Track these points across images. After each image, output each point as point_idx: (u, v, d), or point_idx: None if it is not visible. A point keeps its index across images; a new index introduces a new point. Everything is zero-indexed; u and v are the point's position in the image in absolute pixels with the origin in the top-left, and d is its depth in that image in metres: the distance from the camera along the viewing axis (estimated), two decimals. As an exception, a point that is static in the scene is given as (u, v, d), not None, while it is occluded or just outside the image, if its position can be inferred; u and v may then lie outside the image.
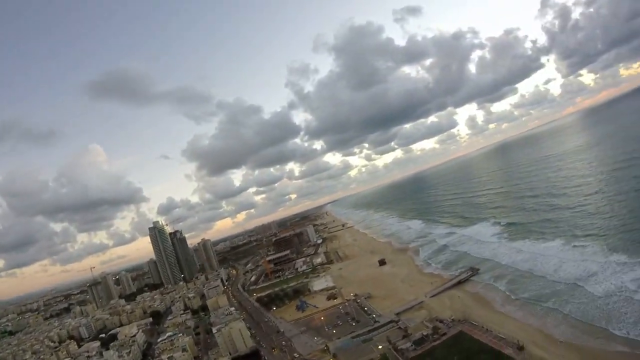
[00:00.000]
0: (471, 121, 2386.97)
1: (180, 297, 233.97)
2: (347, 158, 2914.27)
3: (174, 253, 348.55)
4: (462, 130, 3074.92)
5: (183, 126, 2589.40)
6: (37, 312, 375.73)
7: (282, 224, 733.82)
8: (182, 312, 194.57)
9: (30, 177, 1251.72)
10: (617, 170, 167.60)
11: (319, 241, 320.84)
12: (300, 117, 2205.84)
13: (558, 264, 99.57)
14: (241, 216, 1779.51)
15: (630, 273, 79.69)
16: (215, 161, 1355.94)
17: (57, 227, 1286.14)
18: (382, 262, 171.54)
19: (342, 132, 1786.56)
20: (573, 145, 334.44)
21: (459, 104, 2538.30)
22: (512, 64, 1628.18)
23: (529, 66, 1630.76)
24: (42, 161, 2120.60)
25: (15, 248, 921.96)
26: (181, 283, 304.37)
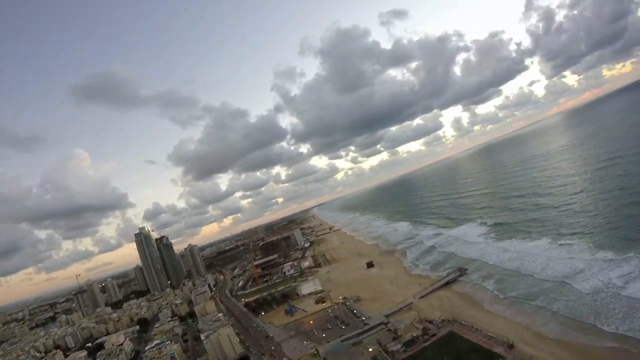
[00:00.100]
0: (456, 123, 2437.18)
1: (167, 303, 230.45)
2: (334, 161, 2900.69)
3: (160, 259, 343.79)
4: (447, 132, 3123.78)
5: (169, 130, 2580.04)
6: (22, 322, 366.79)
7: (269, 228, 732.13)
8: (169, 319, 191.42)
9: (13, 183, 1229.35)
10: (601, 169, 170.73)
11: (307, 245, 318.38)
12: (286, 121, 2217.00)
13: (545, 262, 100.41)
14: (228, 221, 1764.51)
15: (617, 269, 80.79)
16: (202, 166, 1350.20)
17: (41, 234, 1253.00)
18: (370, 265, 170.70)
19: (329, 135, 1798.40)
20: (557, 146, 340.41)
21: (445, 106, 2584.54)
22: (497, 66, 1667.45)
23: (514, 68, 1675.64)
24: (26, 167, 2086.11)
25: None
26: (168, 289, 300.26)
